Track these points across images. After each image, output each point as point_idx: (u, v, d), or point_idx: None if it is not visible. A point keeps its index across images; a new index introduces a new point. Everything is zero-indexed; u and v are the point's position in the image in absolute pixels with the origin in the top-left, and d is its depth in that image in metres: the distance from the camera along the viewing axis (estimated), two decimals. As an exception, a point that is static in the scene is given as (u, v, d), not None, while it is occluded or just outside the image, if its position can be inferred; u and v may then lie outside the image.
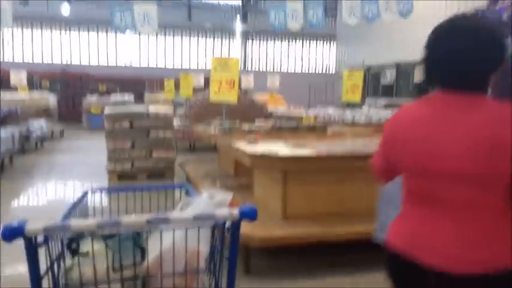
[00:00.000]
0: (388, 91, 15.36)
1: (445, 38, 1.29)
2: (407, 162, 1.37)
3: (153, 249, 1.48)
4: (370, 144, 4.32)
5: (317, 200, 3.77)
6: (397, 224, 1.46)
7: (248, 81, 13.27)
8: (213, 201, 1.44)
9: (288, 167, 3.71)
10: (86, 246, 1.42)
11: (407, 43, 14.89)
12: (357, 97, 7.72)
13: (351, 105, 9.69)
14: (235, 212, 1.36)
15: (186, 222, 1.33)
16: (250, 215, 1.36)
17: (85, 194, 1.96)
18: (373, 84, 15.97)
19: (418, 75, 13.71)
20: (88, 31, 19.23)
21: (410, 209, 1.42)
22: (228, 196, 1.48)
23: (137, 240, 1.41)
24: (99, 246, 1.40)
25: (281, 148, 3.91)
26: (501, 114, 1.24)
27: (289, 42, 21.73)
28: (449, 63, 1.28)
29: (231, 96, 4.93)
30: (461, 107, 1.28)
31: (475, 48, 1.25)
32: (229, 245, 1.49)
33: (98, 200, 2.07)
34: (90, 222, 1.26)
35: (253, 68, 20.83)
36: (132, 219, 1.27)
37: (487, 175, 1.23)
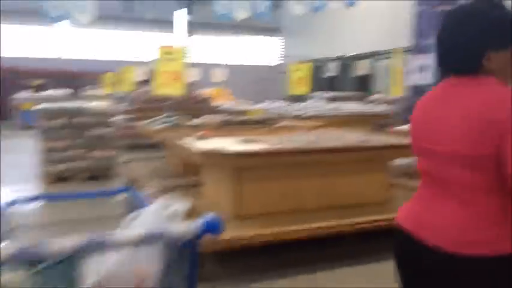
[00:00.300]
0: (331, 84, 15.52)
1: (453, 28, 1.33)
2: (415, 144, 1.44)
3: (92, 273, 1.20)
4: (322, 138, 4.22)
5: (272, 198, 3.58)
6: (409, 203, 1.49)
7: (193, 75, 12.89)
8: (166, 212, 1.18)
9: (241, 164, 3.50)
10: (4, 275, 1.13)
11: (349, 36, 15.13)
12: (304, 89, 7.69)
13: (296, 99, 9.66)
14: (196, 226, 1.11)
15: (134, 244, 1.06)
16: (214, 228, 1.11)
17: (7, 206, 1.63)
18: (317, 78, 16.08)
19: (360, 68, 13.99)
20: (18, 22, 17.86)
21: (421, 190, 1.46)
22: (184, 206, 1.22)
23: (71, 265, 1.13)
24: (21, 274, 1.11)
25: (232, 144, 3.70)
26: (495, 96, 1.23)
27: (234, 35, 21.43)
28: (453, 52, 1.32)
29: (176, 89, 4.64)
30: (459, 90, 1.32)
31: (477, 38, 1.28)
32: (188, 261, 1.25)
33: (25, 211, 1.74)
34: (6, 249, 0.97)
35: (198, 61, 20.30)
36: (61, 244, 0.98)
37: (478, 157, 1.23)
